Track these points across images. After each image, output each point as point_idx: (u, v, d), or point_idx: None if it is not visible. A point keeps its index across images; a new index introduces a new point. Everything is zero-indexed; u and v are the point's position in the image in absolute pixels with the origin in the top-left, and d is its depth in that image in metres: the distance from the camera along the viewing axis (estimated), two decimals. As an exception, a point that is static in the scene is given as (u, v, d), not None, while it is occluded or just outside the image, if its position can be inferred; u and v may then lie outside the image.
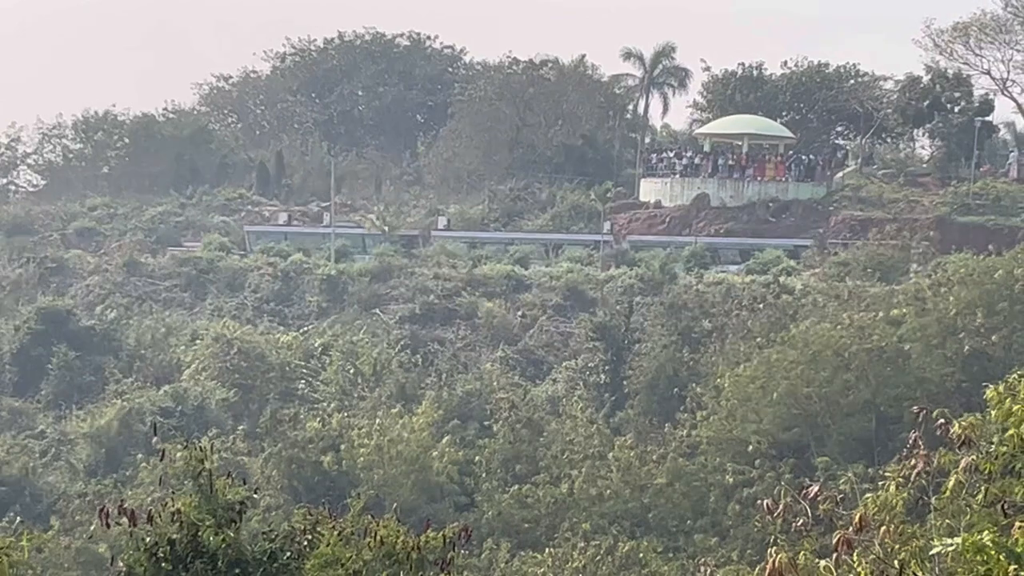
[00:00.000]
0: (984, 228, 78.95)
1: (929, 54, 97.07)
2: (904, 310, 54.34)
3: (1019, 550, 12.76)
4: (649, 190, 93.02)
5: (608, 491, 48.02)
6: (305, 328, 76.77)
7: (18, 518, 51.89)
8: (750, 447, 48.73)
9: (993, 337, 50.37)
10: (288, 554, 16.85)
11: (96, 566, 45.35)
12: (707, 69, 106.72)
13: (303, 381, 67.87)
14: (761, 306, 63.61)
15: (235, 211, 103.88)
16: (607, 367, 64.33)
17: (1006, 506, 15.49)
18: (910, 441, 17.56)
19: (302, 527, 17.27)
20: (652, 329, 65.97)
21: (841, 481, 39.14)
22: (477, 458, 53.13)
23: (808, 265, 77.18)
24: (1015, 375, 16.39)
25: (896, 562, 15.69)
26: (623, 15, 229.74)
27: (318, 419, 56.18)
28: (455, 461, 52.46)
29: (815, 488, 17.24)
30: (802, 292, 67.54)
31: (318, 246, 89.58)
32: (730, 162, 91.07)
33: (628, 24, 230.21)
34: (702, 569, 28.81)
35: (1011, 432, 15.75)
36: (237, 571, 16.42)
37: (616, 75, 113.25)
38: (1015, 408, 15.68)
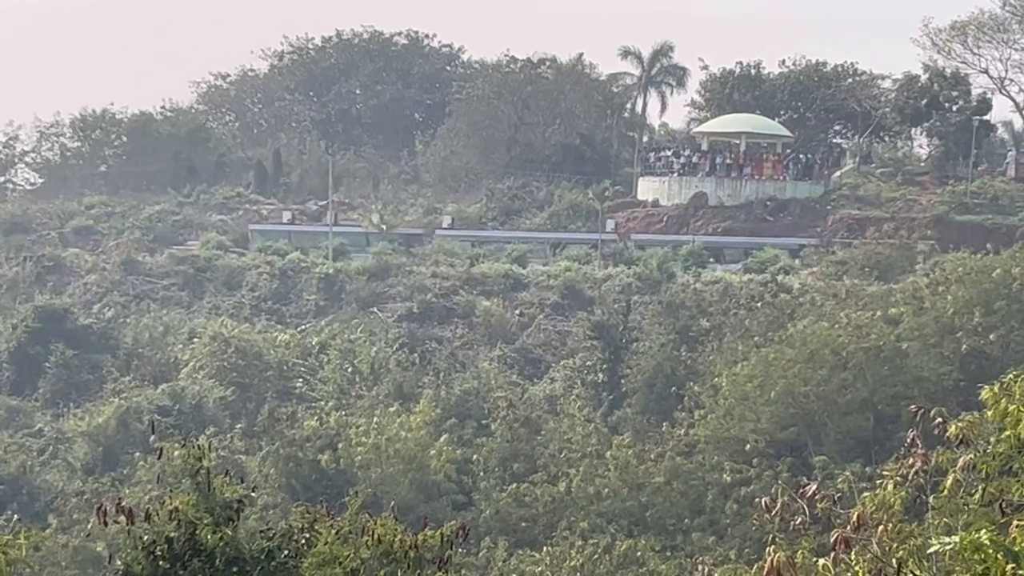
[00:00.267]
0: (982, 227, 78.99)
1: (927, 53, 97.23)
2: (902, 309, 54.40)
3: (1017, 549, 12.76)
4: (647, 189, 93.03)
5: (606, 490, 48.03)
6: (303, 327, 76.78)
7: (16, 516, 51.78)
8: (748, 446, 48.76)
9: (991, 336, 50.42)
10: (286, 552, 16.84)
11: (94, 564, 45.33)
12: (705, 68, 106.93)
13: (301, 380, 67.88)
14: (759, 305, 63.63)
15: (233, 210, 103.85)
16: (605, 366, 64.32)
17: (1004, 505, 15.49)
18: (908, 440, 17.55)
19: (300, 525, 17.26)
20: (650, 328, 65.97)
21: (839, 480, 39.20)
22: (475, 457, 53.14)
23: (806, 264, 77.19)
24: (1010, 375, 16.40)
25: (894, 561, 15.70)
26: (621, 14, 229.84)
27: (316, 418, 56.17)
28: (453, 460, 52.47)
29: (813, 487, 17.23)
30: (800, 291, 67.51)
31: (315, 244, 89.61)
32: (728, 161, 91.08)
33: (626, 23, 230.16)
34: (700, 568, 28.75)
35: (1007, 433, 15.76)
36: (235, 569, 16.41)
37: (614, 74, 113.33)
38: (1011, 408, 15.69)
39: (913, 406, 18.51)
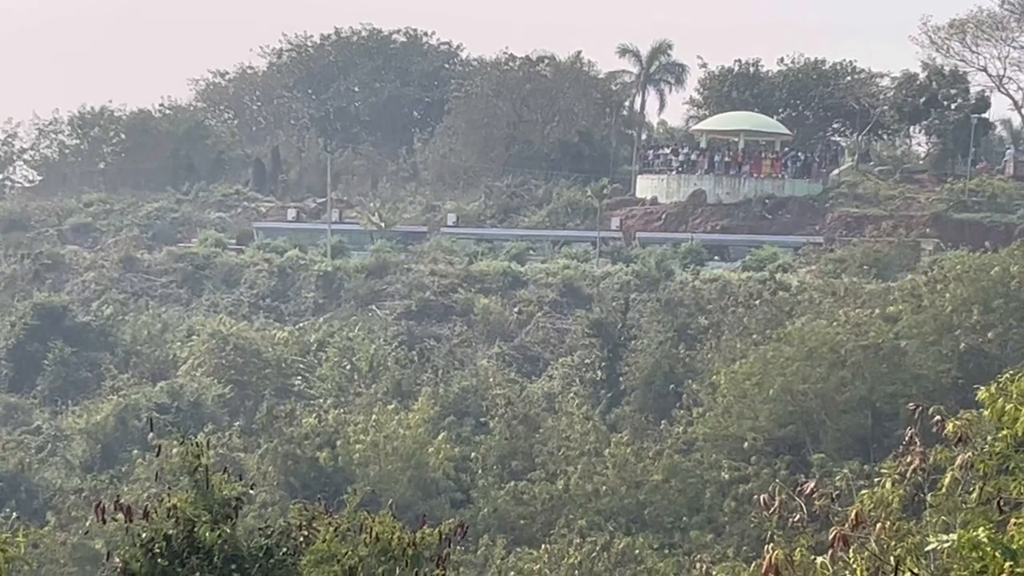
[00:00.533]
0: (980, 225, 79.04)
1: (926, 51, 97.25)
2: (900, 307, 54.41)
3: (1015, 547, 12.77)
4: (645, 187, 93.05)
5: (604, 488, 48.02)
6: (301, 324, 76.79)
7: (14, 514, 51.84)
8: (746, 444, 48.75)
9: (989, 334, 50.43)
10: (284, 550, 16.85)
11: (92, 562, 45.36)
12: (704, 66, 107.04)
13: (299, 377, 67.89)
14: (757, 303, 63.64)
15: (231, 207, 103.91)
16: (603, 364, 64.32)
17: (1002, 503, 15.50)
18: (906, 438, 17.56)
19: (298, 523, 17.27)
20: (648, 326, 65.97)
21: (837, 478, 39.25)
22: (473, 454, 53.13)
23: (805, 262, 77.19)
24: (1007, 375, 16.41)
25: (892, 558, 15.70)
26: (620, 13, 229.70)
27: (314, 415, 56.20)
28: (451, 457, 52.48)
29: (811, 485, 17.23)
30: (798, 289, 67.51)
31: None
32: (726, 159, 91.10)
33: (625, 20, 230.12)
34: (698, 565, 28.72)
35: (1005, 432, 15.76)
36: (233, 567, 16.42)
37: (612, 72, 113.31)
38: (1008, 407, 15.69)
39: (911, 404, 18.51)
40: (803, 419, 49.91)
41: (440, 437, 53.40)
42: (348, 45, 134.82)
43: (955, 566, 13.80)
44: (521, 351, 73.60)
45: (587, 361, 66.06)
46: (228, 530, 16.52)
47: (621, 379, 62.26)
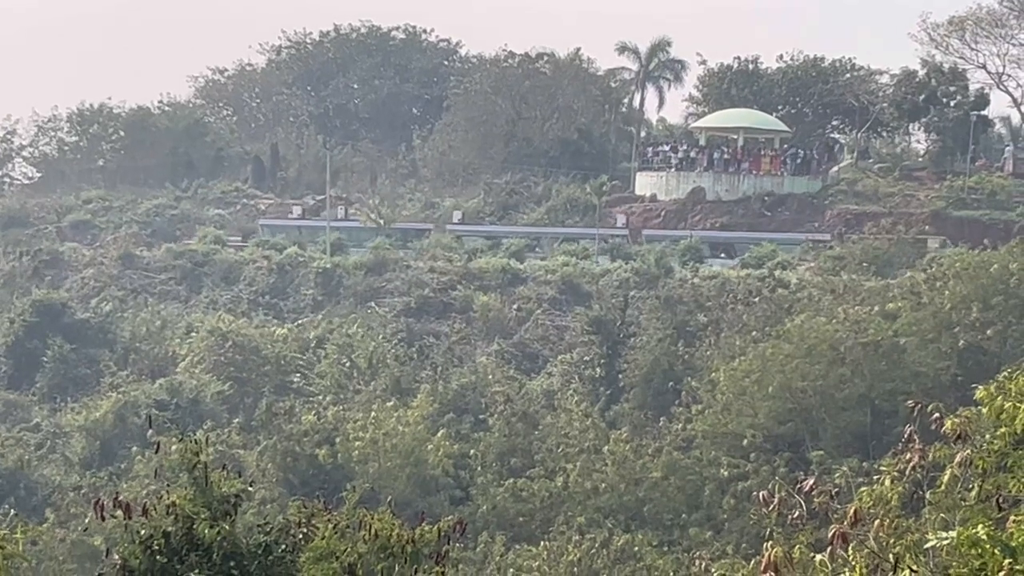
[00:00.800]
0: (979, 222, 79.07)
1: (925, 48, 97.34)
2: (899, 304, 54.39)
3: (1014, 544, 12.76)
4: (645, 184, 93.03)
5: (603, 485, 48.03)
6: (300, 321, 76.79)
7: (13, 511, 51.80)
8: (745, 441, 48.78)
9: (988, 331, 50.45)
10: (283, 547, 16.85)
11: (91, 558, 45.31)
12: (703, 63, 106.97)
13: (298, 374, 67.87)
14: (756, 300, 63.63)
15: (231, 204, 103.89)
16: (602, 361, 64.30)
17: (1001, 500, 15.50)
18: (905, 435, 17.56)
19: (297, 520, 17.27)
20: (647, 323, 65.96)
21: (836, 475, 39.04)
22: (472, 451, 53.12)
23: (804, 259, 77.19)
24: (1005, 373, 16.41)
25: (891, 556, 15.70)
26: (618, 10, 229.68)
27: (313, 412, 56.20)
28: (450, 454, 52.46)
29: (810, 482, 17.24)
30: (797, 286, 67.52)
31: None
32: (725, 156, 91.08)
33: (624, 17, 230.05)
34: (697, 563, 28.71)
35: (1003, 429, 15.76)
36: (232, 564, 16.41)
37: (612, 69, 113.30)
38: (1007, 405, 15.69)
39: (910, 401, 18.53)
40: (802, 416, 49.92)
41: (439, 434, 53.39)
42: (347, 42, 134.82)
43: (954, 563, 13.79)
44: (520, 348, 73.58)
45: (586, 358, 66.04)
46: (227, 527, 16.51)
47: (620, 376, 62.25)
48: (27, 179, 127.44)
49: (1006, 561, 12.60)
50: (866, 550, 15.81)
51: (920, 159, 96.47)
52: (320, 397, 61.95)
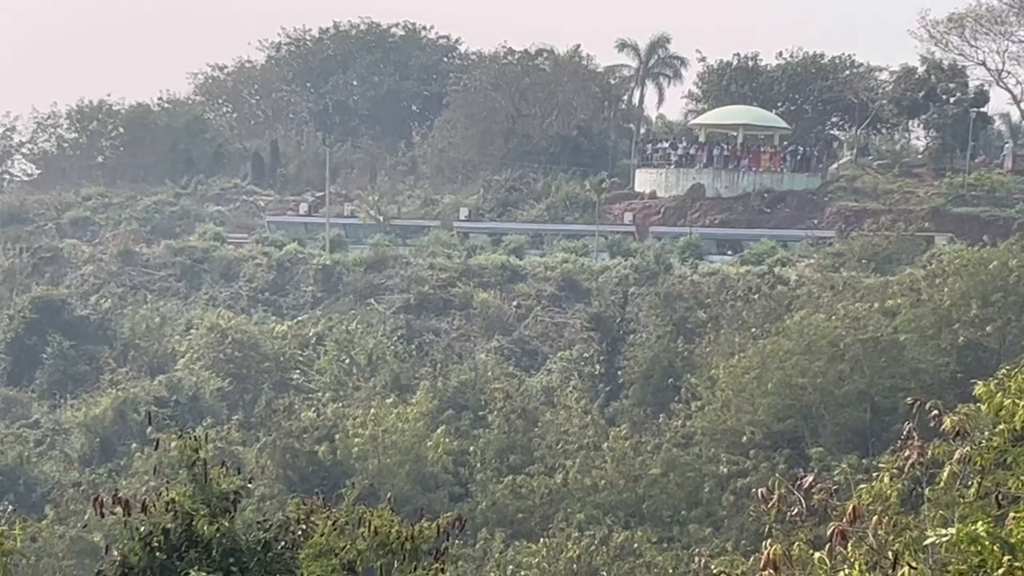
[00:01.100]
0: (979, 219, 79.05)
1: (924, 45, 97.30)
2: (899, 301, 54.35)
3: (1013, 540, 12.78)
4: (644, 181, 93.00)
5: (602, 481, 48.00)
6: (300, 318, 76.77)
7: (12, 507, 51.82)
8: (744, 437, 48.75)
9: (988, 328, 50.41)
10: (282, 544, 16.86)
11: (90, 555, 45.29)
12: (703, 59, 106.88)
13: (298, 371, 67.85)
14: (756, 296, 63.59)
15: (230, 201, 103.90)
16: (602, 357, 64.28)
17: (1000, 497, 15.51)
18: (904, 432, 17.58)
19: (296, 517, 17.27)
20: (647, 319, 65.96)
21: (835, 472, 39.13)
22: (471, 448, 53.08)
23: (803, 256, 77.16)
24: (1004, 370, 16.42)
25: (890, 553, 15.72)
26: (618, 8, 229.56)
27: (313, 409, 56.16)
28: (449, 451, 52.44)
29: (809, 479, 17.27)
30: (797, 283, 67.50)
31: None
32: (725, 153, 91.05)
33: (623, 14, 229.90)
34: (696, 559, 28.73)
35: (1002, 426, 15.77)
36: (231, 560, 16.42)
37: (611, 66, 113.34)
38: (1006, 402, 15.70)
39: (910, 398, 18.54)
40: (802, 413, 49.89)
41: (439, 431, 53.37)
42: (347, 39, 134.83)
43: (953, 560, 13.80)
44: (520, 345, 73.59)
45: (586, 355, 66.03)
46: (226, 524, 16.53)
47: (620, 373, 62.23)
48: (27, 176, 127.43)
49: (1005, 558, 12.61)
50: (865, 547, 15.83)
51: (920, 156, 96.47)
52: (320, 394, 61.93)
